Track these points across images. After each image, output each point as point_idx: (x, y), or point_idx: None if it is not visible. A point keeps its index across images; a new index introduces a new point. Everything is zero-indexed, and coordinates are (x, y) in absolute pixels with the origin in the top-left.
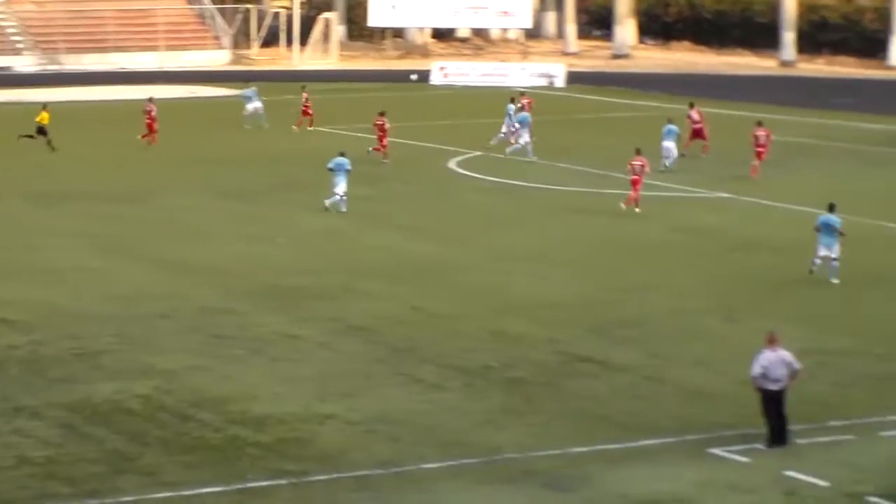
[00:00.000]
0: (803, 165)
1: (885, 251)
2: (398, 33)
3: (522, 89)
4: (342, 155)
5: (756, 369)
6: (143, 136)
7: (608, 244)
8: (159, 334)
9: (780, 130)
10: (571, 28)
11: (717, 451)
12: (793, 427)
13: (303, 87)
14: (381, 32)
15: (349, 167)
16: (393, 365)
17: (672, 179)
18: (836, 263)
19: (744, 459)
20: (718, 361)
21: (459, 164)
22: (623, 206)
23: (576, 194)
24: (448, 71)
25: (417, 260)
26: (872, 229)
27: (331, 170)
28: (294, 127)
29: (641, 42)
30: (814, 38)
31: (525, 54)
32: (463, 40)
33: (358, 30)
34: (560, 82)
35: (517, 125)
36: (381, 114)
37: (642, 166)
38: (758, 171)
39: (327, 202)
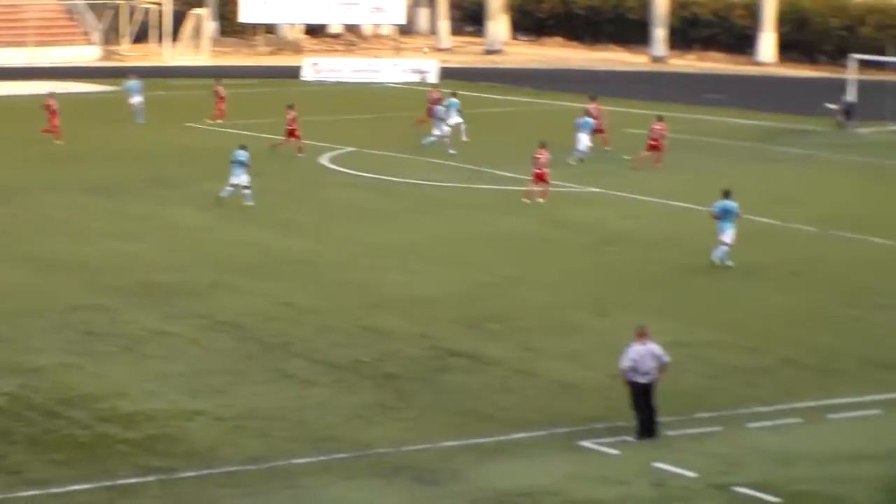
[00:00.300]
0: (675, 160)
1: (755, 245)
2: (270, 29)
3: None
4: (243, 148)
5: (626, 362)
6: (45, 131)
7: (480, 239)
8: (27, 332)
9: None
10: (444, 24)
11: (587, 443)
12: (662, 419)
13: (217, 80)
14: (253, 28)
15: (244, 159)
16: (263, 361)
17: None
18: (726, 248)
19: (614, 452)
20: (589, 355)
21: (332, 160)
22: (525, 199)
23: (448, 190)
24: (320, 67)
25: (289, 256)
26: (743, 224)
27: (232, 162)
28: (208, 120)
29: (514, 38)
30: (685, 35)
31: (398, 50)
32: (335, 36)
33: (230, 26)
34: (433, 78)
35: (442, 118)
36: (290, 107)
37: (545, 160)
38: (641, 163)
39: (222, 193)
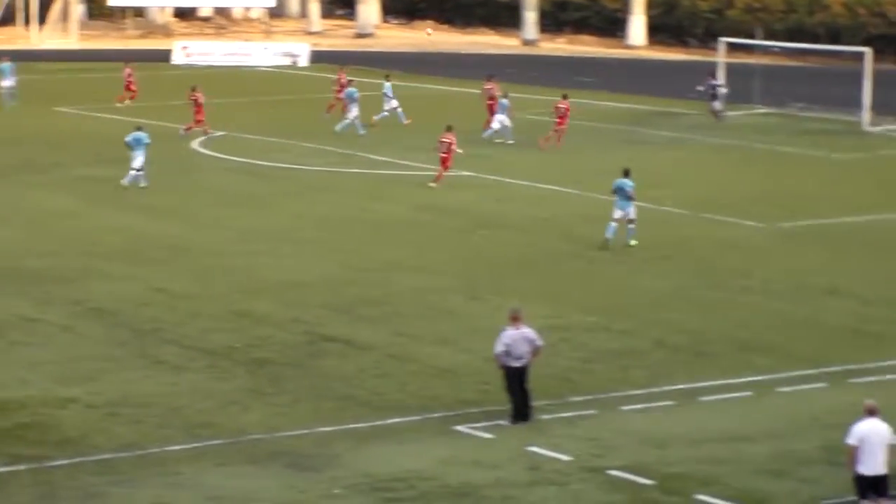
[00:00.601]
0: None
1: (623, 227)
2: (139, 12)
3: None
4: (140, 129)
5: (499, 347)
6: None
7: (353, 223)
8: None
9: (523, 109)
10: (315, 7)
11: (462, 428)
12: (536, 403)
13: (126, 64)
14: (122, 11)
15: (148, 141)
16: (136, 347)
17: (417, 158)
18: (632, 226)
19: (488, 436)
20: (463, 339)
21: (202, 145)
22: (433, 185)
23: (320, 174)
24: (191, 51)
25: (160, 241)
26: (610, 205)
27: (128, 144)
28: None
29: (385, 21)
30: (555, 18)
31: (268, 34)
32: (205, 19)
33: (98, 9)
34: (304, 62)
35: (347, 99)
36: (193, 88)
37: (450, 144)
38: (547, 143)
39: (125, 181)
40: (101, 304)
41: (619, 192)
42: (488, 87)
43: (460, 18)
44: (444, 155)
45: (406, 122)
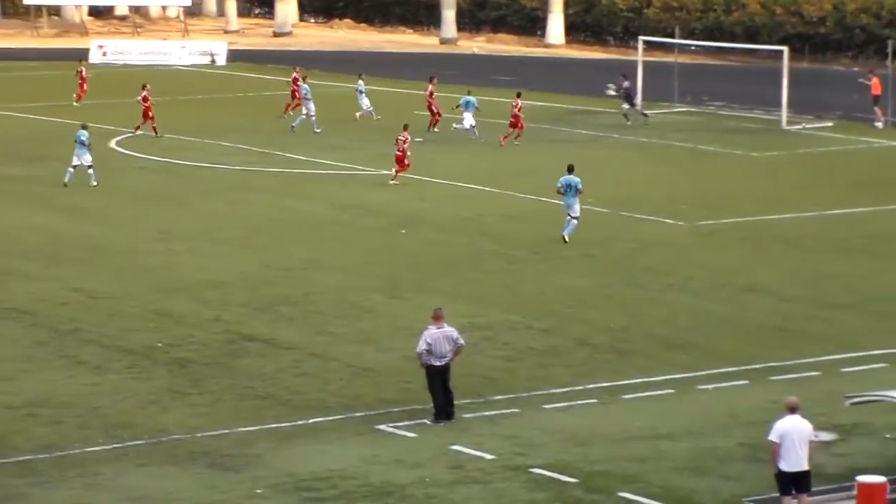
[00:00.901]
0: (466, 142)
1: (546, 226)
2: (55, 11)
3: None
4: (84, 128)
5: (422, 346)
6: None
7: (272, 222)
8: None
9: (442, 108)
10: (232, 6)
11: (384, 427)
12: (458, 402)
13: (80, 62)
14: (37, 10)
15: (85, 140)
16: (55, 347)
17: (335, 157)
18: (575, 222)
19: (411, 435)
20: (384, 338)
21: (120, 144)
22: (393, 182)
23: (238, 173)
24: (107, 49)
25: (79, 241)
26: (533, 204)
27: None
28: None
29: (303, 20)
30: (474, 16)
31: (186, 32)
32: (122, 18)
33: (13, 7)
34: (222, 60)
35: (308, 98)
36: (144, 86)
37: (404, 141)
38: (506, 140)
39: (66, 177)
40: (19, 305)
41: (567, 188)
42: (430, 87)
43: (378, 17)
44: (399, 153)
45: (377, 117)
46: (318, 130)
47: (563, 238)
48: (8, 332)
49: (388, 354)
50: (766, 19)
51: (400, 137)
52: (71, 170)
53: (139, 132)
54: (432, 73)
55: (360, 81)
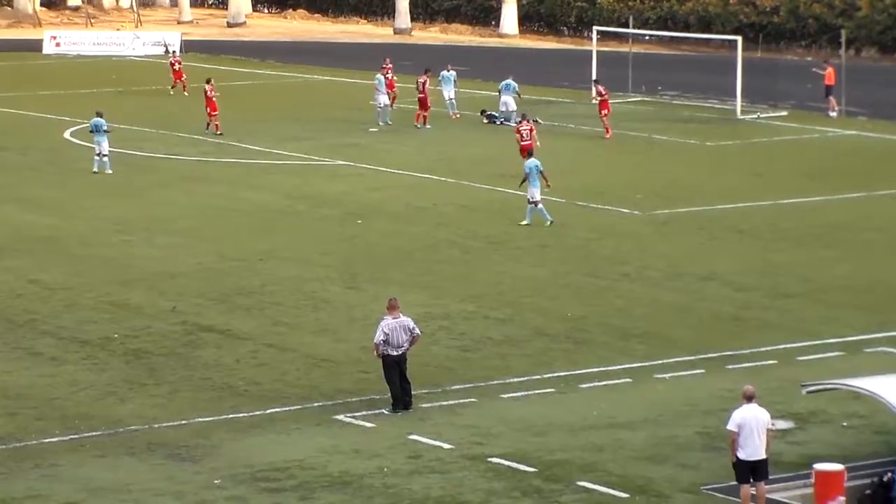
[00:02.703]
0: (420, 132)
1: (500, 215)
2: (7, 2)
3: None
4: (99, 115)
5: (379, 336)
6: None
7: (227, 213)
8: None
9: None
10: None
11: (342, 417)
12: (416, 391)
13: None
14: None
15: (106, 128)
16: (10, 339)
17: (291, 148)
18: (539, 206)
19: (368, 425)
20: (341, 328)
21: (74, 135)
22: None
23: (192, 163)
24: (60, 40)
25: (34, 232)
26: (486, 193)
27: (92, 132)
28: None
29: (256, 10)
30: (428, 6)
31: (139, 23)
32: (74, 9)
33: None
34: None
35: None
36: (208, 80)
37: (424, 83)
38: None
39: (96, 168)
40: None
41: (532, 173)
42: (421, 80)
43: (332, 7)
44: (421, 95)
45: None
46: (388, 122)
47: (550, 222)
48: None
49: (345, 344)
50: (720, 9)
51: (420, 80)
52: (97, 158)
53: (218, 132)
54: (417, 64)
55: (379, 76)
